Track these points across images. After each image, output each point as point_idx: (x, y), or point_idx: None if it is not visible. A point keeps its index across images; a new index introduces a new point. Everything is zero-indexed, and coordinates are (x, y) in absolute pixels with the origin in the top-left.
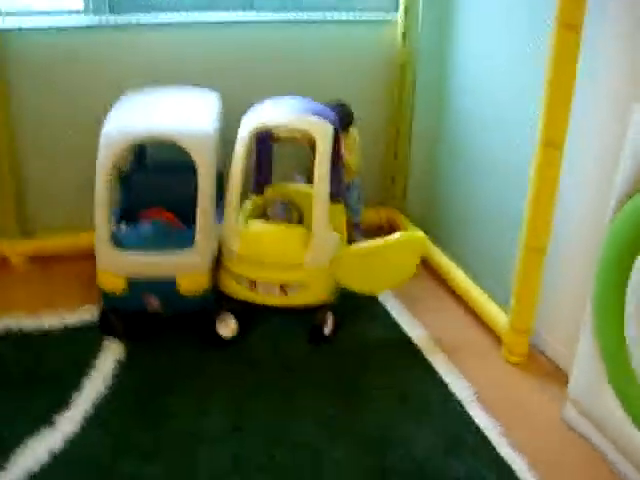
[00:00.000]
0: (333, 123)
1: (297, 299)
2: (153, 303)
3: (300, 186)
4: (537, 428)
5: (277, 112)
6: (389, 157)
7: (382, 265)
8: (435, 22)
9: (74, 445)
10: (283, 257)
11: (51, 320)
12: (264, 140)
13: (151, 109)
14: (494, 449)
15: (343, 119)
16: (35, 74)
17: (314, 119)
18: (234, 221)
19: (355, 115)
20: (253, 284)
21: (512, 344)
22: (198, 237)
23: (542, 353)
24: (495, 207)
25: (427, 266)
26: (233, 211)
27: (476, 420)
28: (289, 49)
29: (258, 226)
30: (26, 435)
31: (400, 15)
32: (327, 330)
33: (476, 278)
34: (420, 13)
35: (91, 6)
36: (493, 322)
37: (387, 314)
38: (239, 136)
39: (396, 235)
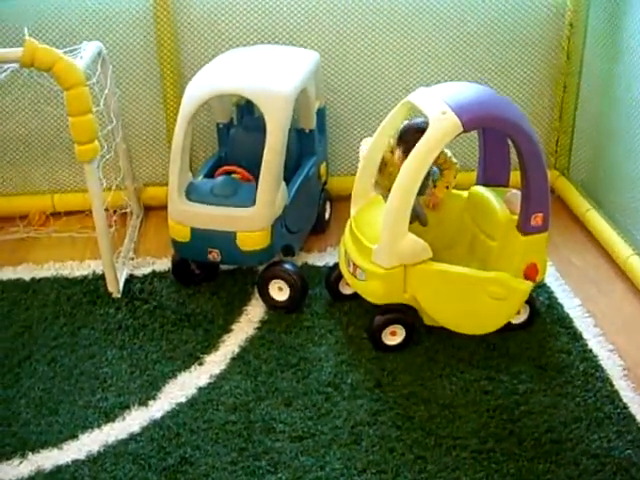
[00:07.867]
0: (463, 121)
1: (359, 287)
2: (214, 254)
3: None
4: None
5: (427, 92)
6: (554, 116)
7: (466, 298)
8: None
9: (219, 385)
10: (364, 237)
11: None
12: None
13: (238, 66)
14: None
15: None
16: None
17: (440, 107)
18: (361, 185)
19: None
20: (345, 252)
21: None
22: (259, 195)
23: None
24: None
25: (589, 235)
26: (364, 175)
27: (622, 396)
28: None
29: (379, 201)
30: (177, 371)
31: None
32: (391, 342)
33: None
34: None
35: None
36: None
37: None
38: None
39: (497, 274)
